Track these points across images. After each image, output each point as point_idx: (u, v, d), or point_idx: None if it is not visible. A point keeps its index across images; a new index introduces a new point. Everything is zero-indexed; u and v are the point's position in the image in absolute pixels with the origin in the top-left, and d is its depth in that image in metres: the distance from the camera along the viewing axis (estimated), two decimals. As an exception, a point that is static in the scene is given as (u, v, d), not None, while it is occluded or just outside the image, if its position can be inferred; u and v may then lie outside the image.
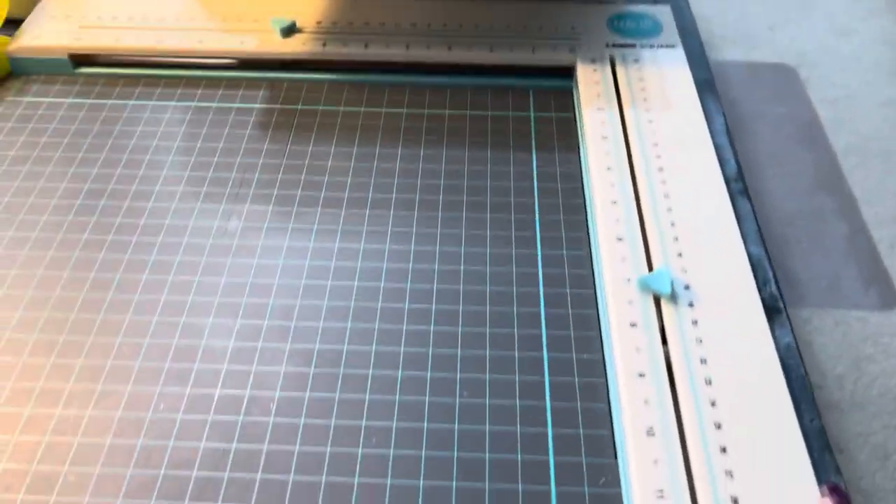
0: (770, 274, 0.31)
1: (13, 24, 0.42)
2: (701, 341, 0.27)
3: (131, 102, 0.40)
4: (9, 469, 0.26)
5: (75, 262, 0.32)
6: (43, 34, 0.41)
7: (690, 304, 0.28)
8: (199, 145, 0.37)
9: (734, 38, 0.49)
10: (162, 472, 0.26)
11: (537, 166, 0.36)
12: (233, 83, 0.41)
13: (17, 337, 0.29)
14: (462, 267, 0.32)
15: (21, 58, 0.40)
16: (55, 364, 0.29)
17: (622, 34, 0.41)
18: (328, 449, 0.26)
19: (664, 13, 0.42)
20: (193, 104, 0.39)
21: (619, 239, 0.30)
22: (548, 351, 0.29)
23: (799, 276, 0.33)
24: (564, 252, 0.32)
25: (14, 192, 0.35)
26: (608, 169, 0.33)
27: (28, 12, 0.43)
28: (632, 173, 0.33)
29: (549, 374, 0.28)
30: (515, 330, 0.30)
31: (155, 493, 0.25)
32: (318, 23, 0.41)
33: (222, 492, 0.25)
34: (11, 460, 0.26)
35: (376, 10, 0.42)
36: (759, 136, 0.40)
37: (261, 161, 0.36)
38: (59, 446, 0.26)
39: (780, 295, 0.30)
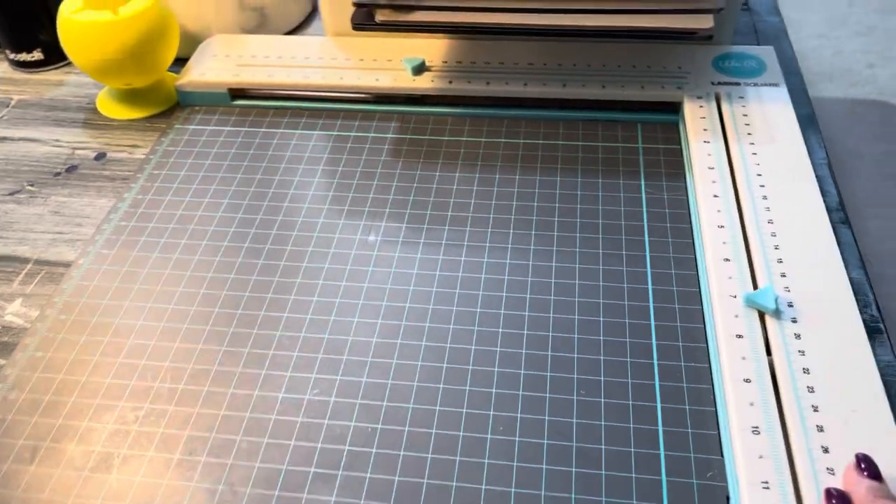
0: (871, 297, 0.33)
1: (179, 62, 0.49)
2: (803, 353, 0.29)
3: (280, 131, 0.45)
4: (193, 436, 0.31)
5: (239, 266, 0.37)
6: (206, 71, 0.47)
7: (793, 320, 0.30)
8: (340, 169, 0.42)
9: (831, 74, 0.51)
10: (319, 445, 0.30)
11: (646, 193, 0.39)
12: (368, 115, 0.46)
13: (194, 328, 0.35)
14: (577, 281, 0.35)
15: (187, 91, 0.47)
16: (226, 351, 0.33)
17: (727, 73, 0.43)
18: (461, 434, 0.30)
19: (767, 53, 0.45)
20: (334, 133, 0.45)
21: (726, 259, 0.33)
22: (658, 359, 0.32)
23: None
24: (673, 271, 0.35)
25: (185, 206, 0.41)
26: (715, 196, 0.36)
27: (192, 52, 0.49)
28: (737, 201, 0.36)
29: (660, 379, 0.31)
30: (627, 339, 0.33)
31: (314, 462, 0.29)
32: (445, 62, 0.46)
33: (370, 464, 0.29)
34: (193, 428, 0.31)
35: (497, 51, 0.46)
36: (858, 174, 0.42)
37: (394, 184, 0.41)
38: (233, 420, 0.31)
39: (881, 317, 0.32)
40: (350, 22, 0.42)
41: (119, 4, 0.45)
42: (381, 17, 0.40)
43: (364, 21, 0.40)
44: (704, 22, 0.38)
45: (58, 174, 0.44)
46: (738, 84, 0.43)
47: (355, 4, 0.40)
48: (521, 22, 0.39)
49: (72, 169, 0.44)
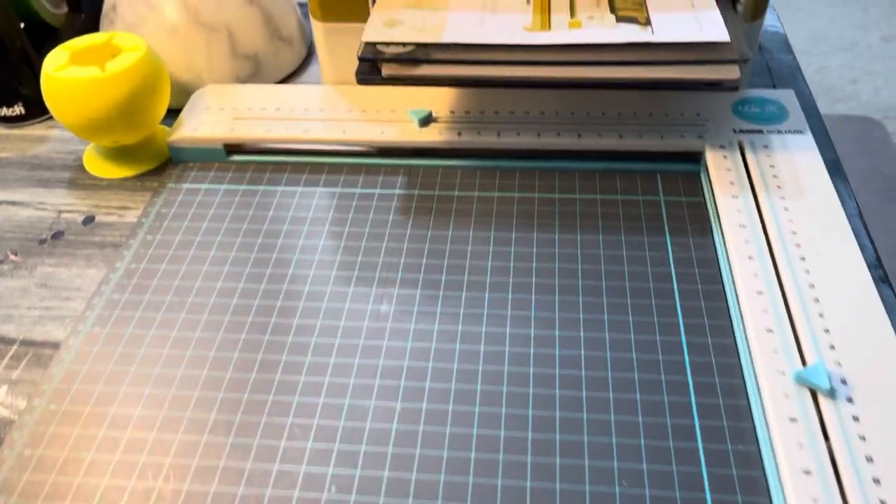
0: (922, 366, 0.31)
1: (170, 112, 0.47)
2: (864, 438, 0.27)
3: (280, 188, 0.43)
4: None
5: (243, 344, 0.34)
6: (200, 126, 0.44)
7: (849, 400, 0.28)
8: (346, 230, 0.40)
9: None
10: (340, 552, 0.27)
11: (672, 251, 0.37)
12: (373, 169, 0.43)
13: (198, 416, 0.32)
14: (608, 353, 0.33)
15: (180, 147, 0.44)
16: (233, 444, 0.31)
17: (749, 119, 0.42)
18: (495, 535, 0.28)
19: (788, 98, 0.43)
20: (338, 190, 0.42)
21: (769, 330, 0.31)
22: (702, 441, 0.30)
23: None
24: (709, 339, 0.33)
25: (182, 276, 0.38)
26: (749, 258, 0.34)
27: (183, 102, 0.47)
28: (773, 263, 0.34)
29: (706, 466, 0.29)
30: (667, 419, 0.30)
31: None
32: (452, 112, 0.44)
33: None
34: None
35: (507, 100, 0.44)
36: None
37: (405, 246, 0.39)
38: (244, 523, 0.28)
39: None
40: (354, 75, 0.39)
41: (106, 59, 0.42)
42: (387, 71, 0.38)
43: (369, 75, 0.38)
44: (730, 73, 0.36)
45: (43, 241, 0.41)
46: (761, 132, 0.41)
47: (360, 59, 0.38)
48: (538, 75, 0.37)
49: (58, 235, 0.41)
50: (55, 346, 0.35)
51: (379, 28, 0.39)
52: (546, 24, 0.39)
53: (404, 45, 0.38)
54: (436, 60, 0.37)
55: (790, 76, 0.48)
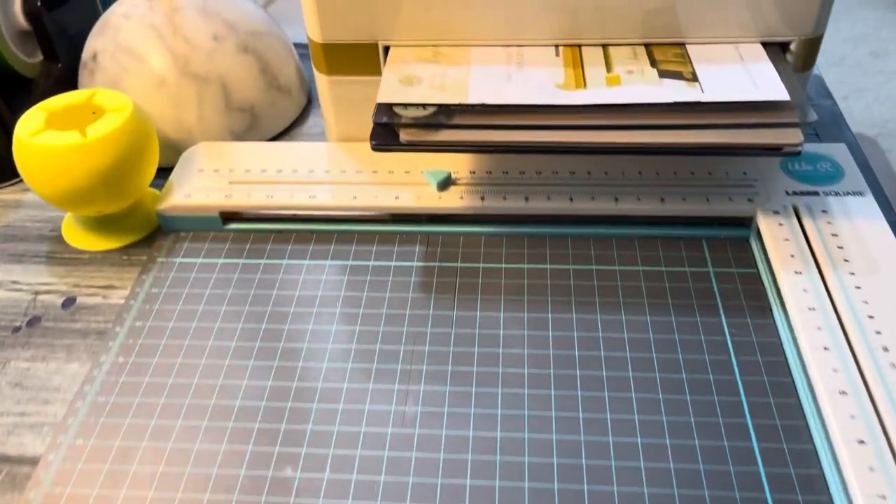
0: None
1: (160, 172, 0.42)
2: None
3: (285, 262, 0.38)
4: None
5: (250, 458, 0.30)
6: (192, 191, 0.40)
7: (967, 532, 0.24)
8: (361, 312, 0.35)
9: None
10: None
11: (730, 335, 0.33)
12: (387, 238, 0.39)
13: (199, 551, 0.27)
14: (671, 465, 0.29)
15: (171, 216, 0.40)
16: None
17: (801, 180, 0.38)
18: None
19: (841, 154, 0.39)
20: (349, 263, 0.38)
21: (861, 442, 0.27)
22: (793, 578, 0.25)
23: None
24: (785, 446, 0.29)
25: (177, 371, 0.33)
26: (825, 349, 0.30)
27: (173, 160, 0.42)
28: (853, 355, 0.30)
29: None
30: (748, 548, 0.26)
31: None
32: (473, 172, 0.40)
33: None
34: None
35: (533, 159, 0.40)
36: None
37: (428, 330, 0.34)
38: None
39: None
40: (362, 131, 0.35)
41: (87, 120, 0.38)
42: (406, 136, 0.34)
43: (386, 141, 0.34)
44: (792, 137, 0.32)
45: (17, 329, 0.36)
46: (816, 193, 0.37)
47: (377, 123, 0.34)
48: (575, 140, 0.33)
49: (34, 322, 0.36)
50: (33, 461, 0.31)
51: (395, 87, 0.35)
52: (580, 80, 0.35)
53: (424, 106, 0.34)
54: (461, 125, 0.33)
55: (833, 124, 0.45)
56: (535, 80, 0.35)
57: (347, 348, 0.34)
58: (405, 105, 0.34)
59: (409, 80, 0.35)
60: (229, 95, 0.44)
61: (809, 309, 0.32)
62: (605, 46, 0.37)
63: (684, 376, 0.32)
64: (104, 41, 0.44)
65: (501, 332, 0.34)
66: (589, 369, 0.32)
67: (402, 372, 0.33)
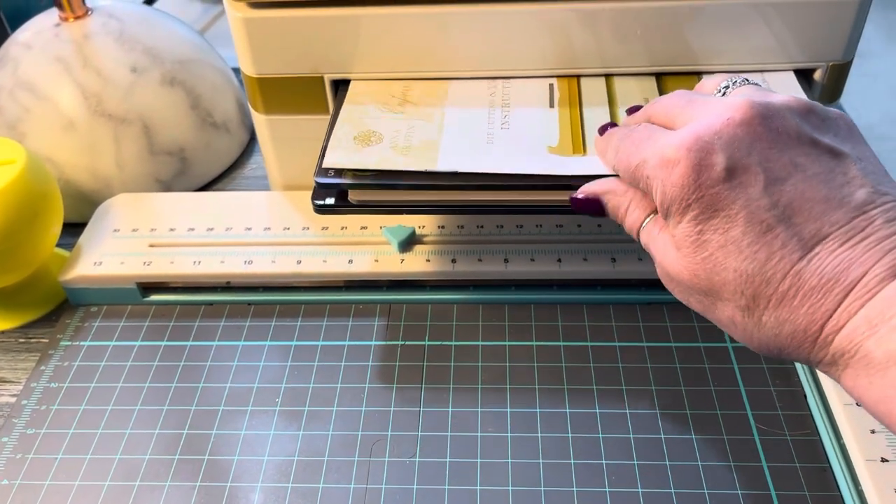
0: None
1: (69, 226, 0.35)
2: None
3: (215, 344, 0.32)
4: None
5: None
6: (104, 258, 0.33)
7: None
8: (306, 410, 0.29)
9: None
10: None
11: (759, 433, 0.27)
12: (340, 309, 0.32)
13: None
14: None
15: (78, 288, 0.33)
16: None
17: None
18: None
19: None
20: (293, 344, 0.31)
21: None
22: None
23: None
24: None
25: (73, 496, 0.27)
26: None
27: (88, 215, 0.35)
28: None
29: None
30: None
31: None
32: (441, 227, 0.33)
33: None
34: None
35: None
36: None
37: (389, 433, 0.28)
38: None
39: None
40: (309, 180, 0.28)
41: (-33, 178, 0.31)
42: (356, 196, 0.27)
43: (331, 204, 0.27)
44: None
45: None
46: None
47: (319, 185, 0.27)
48: (561, 200, 0.26)
49: None
50: None
51: (347, 146, 0.28)
52: (578, 139, 0.28)
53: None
54: (423, 186, 0.27)
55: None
56: (523, 138, 0.28)
57: (289, 461, 0.27)
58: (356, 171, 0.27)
59: (367, 138, 0.28)
60: (153, 137, 0.37)
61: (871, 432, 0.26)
62: (607, 77, 0.31)
63: (706, 492, 0.26)
64: (2, 76, 0.37)
65: (479, 434, 0.28)
66: (589, 485, 0.26)
67: (355, 493, 0.26)
